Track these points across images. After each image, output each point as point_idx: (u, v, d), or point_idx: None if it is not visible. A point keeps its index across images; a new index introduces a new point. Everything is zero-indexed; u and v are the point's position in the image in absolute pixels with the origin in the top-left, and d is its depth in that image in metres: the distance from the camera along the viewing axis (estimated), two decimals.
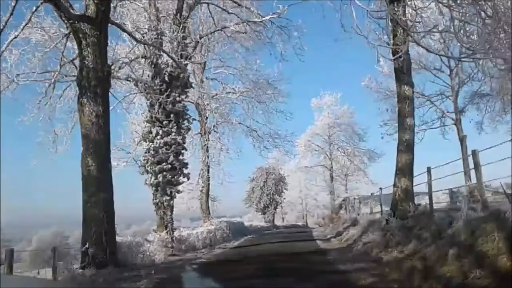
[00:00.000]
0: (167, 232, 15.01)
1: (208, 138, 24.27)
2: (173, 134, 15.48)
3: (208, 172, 24.07)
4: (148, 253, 12.89)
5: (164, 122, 15.54)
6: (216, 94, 24.97)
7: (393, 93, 29.15)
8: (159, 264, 12.34)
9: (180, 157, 15.85)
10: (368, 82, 30.03)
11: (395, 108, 31.09)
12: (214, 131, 24.93)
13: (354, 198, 24.14)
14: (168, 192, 15.16)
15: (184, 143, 15.94)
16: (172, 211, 15.44)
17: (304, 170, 39.91)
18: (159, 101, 15.35)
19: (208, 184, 24.11)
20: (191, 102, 24.26)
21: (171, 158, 15.19)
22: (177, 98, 15.75)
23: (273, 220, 52.32)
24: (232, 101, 25.50)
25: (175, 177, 15.46)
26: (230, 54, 25.01)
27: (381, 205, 15.92)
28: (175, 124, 15.63)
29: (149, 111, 15.84)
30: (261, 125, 25.50)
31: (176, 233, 16.40)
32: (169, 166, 15.17)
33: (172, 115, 15.61)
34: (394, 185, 11.78)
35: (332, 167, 37.03)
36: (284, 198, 54.04)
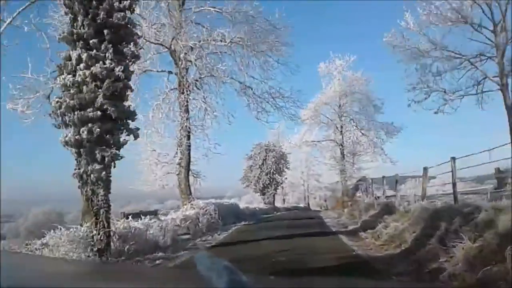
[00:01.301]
0: (96, 224, 8.56)
1: (189, 95, 17.69)
2: (107, 62, 8.89)
3: (189, 139, 17.56)
4: (35, 266, 6.49)
5: (92, 42, 8.91)
6: (200, 41, 18.24)
7: (422, 52, 22.78)
8: None
9: (123, 103, 9.29)
10: (391, 38, 23.31)
11: (426, 69, 24.81)
12: (197, 87, 18.31)
13: (383, 177, 17.68)
14: (99, 156, 8.61)
15: (127, 78, 9.30)
16: (107, 188, 8.87)
17: (310, 144, 32.94)
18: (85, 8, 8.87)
19: (189, 155, 17.62)
20: (165, 46, 17.67)
21: (101, 100, 8.63)
22: (116, 4, 9.15)
23: (273, 201, 46.12)
24: (221, 50, 18.77)
25: (112, 132, 8.93)
26: None
27: (453, 185, 9.32)
28: (111, 47, 9.00)
29: (72, 25, 9.22)
30: (258, 82, 18.84)
31: (120, 224, 9.97)
32: (99, 113, 8.62)
33: (106, 32, 8.98)
34: None
35: (343, 142, 30.38)
36: (286, 178, 47.71)
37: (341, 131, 30.41)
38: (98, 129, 8.52)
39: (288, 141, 31.95)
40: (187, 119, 17.51)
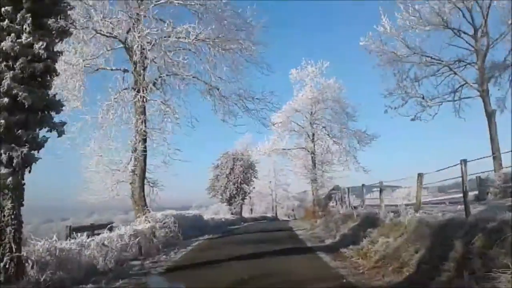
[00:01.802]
0: None
1: (147, 95, 15.42)
2: (24, 36, 6.69)
3: (144, 144, 15.26)
4: None
5: (5, 11, 6.71)
6: (160, 37, 16.00)
7: (400, 56, 21.61)
8: None
9: (44, 90, 7.04)
10: (367, 43, 21.98)
11: (403, 74, 23.58)
12: (156, 87, 16.08)
13: (363, 185, 16.00)
14: (5, 157, 6.35)
15: (52, 59, 7.08)
16: (19, 199, 6.58)
17: (281, 152, 30.83)
18: None
19: (144, 161, 15.29)
20: (120, 40, 15.46)
21: (9, 82, 6.38)
22: None
23: (241, 212, 44.00)
24: (184, 48, 16.58)
25: (26, 126, 6.68)
26: None
27: (464, 193, 7.46)
28: (30, 17, 6.81)
29: None
30: (225, 82, 16.69)
31: (40, 246, 7.60)
32: (6, 100, 6.37)
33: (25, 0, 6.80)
34: None
35: (314, 150, 28.69)
36: (253, 188, 45.72)
37: (313, 139, 28.74)
38: (4, 121, 6.27)
39: (257, 149, 29.56)
40: (142, 122, 15.23)
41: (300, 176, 29.90)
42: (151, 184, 15.86)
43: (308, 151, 29.02)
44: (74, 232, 12.23)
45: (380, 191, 12.63)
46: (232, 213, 40.31)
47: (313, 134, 28.80)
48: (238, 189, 42.11)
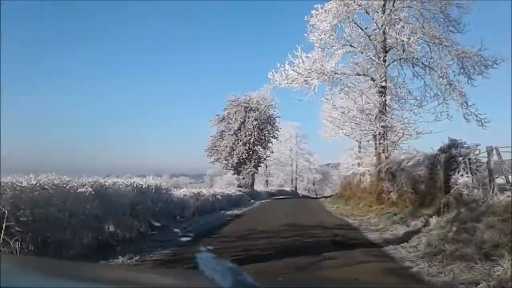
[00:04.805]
0: None
1: None
2: None
3: None
4: None
5: None
6: None
7: None
8: None
9: None
10: None
11: None
12: None
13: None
14: None
15: None
16: None
17: (325, 79, 15.92)
18: None
19: None
20: None
21: None
22: None
23: (252, 183, 31.56)
24: None
25: None
26: None
27: None
28: None
29: None
30: None
31: None
32: None
33: None
34: None
35: (386, 79, 15.42)
36: (272, 152, 33.09)
37: (384, 60, 15.53)
38: None
39: (284, 74, 15.38)
40: None
41: (359, 128, 16.31)
42: None
43: (373, 80, 15.79)
44: None
45: None
46: (239, 185, 27.94)
47: (386, 51, 15.51)
48: (250, 152, 29.54)
